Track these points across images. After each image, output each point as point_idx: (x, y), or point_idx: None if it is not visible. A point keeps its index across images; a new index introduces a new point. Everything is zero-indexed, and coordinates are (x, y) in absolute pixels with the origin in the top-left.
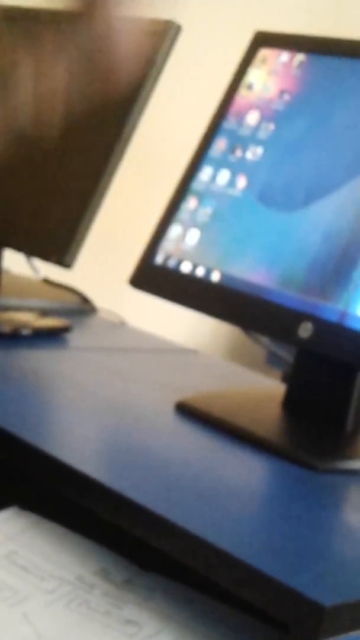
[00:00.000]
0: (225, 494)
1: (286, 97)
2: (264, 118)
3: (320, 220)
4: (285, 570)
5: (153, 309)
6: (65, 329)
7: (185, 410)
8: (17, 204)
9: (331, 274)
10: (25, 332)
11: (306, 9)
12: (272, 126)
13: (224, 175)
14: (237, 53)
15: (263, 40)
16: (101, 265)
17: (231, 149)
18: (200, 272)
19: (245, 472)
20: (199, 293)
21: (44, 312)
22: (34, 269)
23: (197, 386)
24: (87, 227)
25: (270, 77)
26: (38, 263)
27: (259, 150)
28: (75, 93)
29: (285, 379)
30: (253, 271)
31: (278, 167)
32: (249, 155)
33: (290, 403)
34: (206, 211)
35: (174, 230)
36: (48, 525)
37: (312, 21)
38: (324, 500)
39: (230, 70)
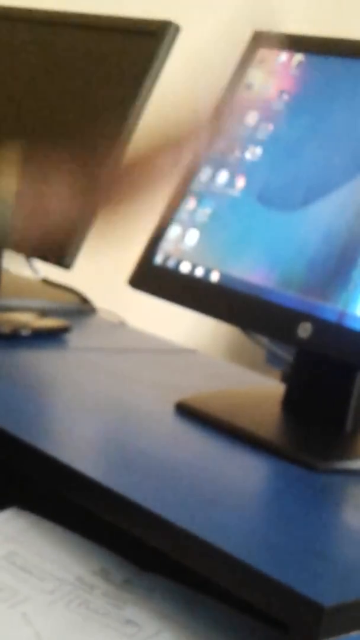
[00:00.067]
0: (224, 494)
1: (285, 97)
2: (262, 118)
3: (320, 221)
4: (284, 570)
5: (152, 309)
6: (64, 330)
7: (185, 411)
8: (16, 205)
9: (330, 274)
10: (24, 332)
11: (305, 9)
12: (271, 126)
13: (223, 176)
14: (235, 53)
15: (262, 40)
16: (101, 265)
17: (230, 149)
18: (199, 272)
19: (245, 472)
20: (198, 293)
21: (44, 313)
22: (34, 270)
23: (196, 386)
24: (86, 227)
25: (269, 77)
26: (38, 263)
27: (258, 150)
28: (74, 94)
29: (285, 379)
30: (252, 271)
31: (277, 167)
32: (248, 155)
33: (289, 403)
34: (205, 211)
35: (173, 231)
36: (48, 526)
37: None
38: (324, 500)
39: (229, 70)
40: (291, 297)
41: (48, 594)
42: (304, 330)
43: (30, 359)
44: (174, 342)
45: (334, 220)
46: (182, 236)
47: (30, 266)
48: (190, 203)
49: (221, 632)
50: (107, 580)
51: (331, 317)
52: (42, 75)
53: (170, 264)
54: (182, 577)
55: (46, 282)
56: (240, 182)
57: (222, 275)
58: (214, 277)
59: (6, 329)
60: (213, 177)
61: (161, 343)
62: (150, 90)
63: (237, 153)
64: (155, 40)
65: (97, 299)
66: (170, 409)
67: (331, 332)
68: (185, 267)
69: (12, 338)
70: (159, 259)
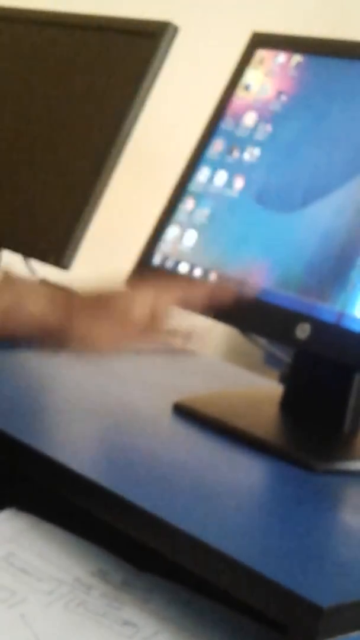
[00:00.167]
0: (222, 495)
1: (283, 98)
2: (261, 119)
3: (318, 221)
4: (283, 571)
5: None
6: None
7: (183, 411)
8: (15, 205)
9: (329, 275)
10: None
11: (303, 10)
12: (269, 127)
13: (221, 176)
14: (234, 54)
15: (260, 41)
16: (99, 266)
17: (228, 150)
18: (197, 273)
19: (243, 473)
20: None
21: None
22: (32, 270)
23: (194, 387)
24: (84, 228)
25: (267, 78)
26: (36, 264)
27: (257, 151)
28: (72, 93)
29: (283, 379)
30: (251, 272)
31: (275, 168)
32: (246, 156)
33: (288, 404)
34: (204, 212)
35: (172, 231)
36: (46, 527)
37: (310, 22)
38: (322, 501)
39: (227, 71)
40: (289, 298)
41: (46, 595)
42: (302, 331)
43: (29, 360)
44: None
45: (332, 221)
46: (181, 237)
47: (29, 267)
48: (189, 204)
49: (219, 633)
50: (105, 581)
51: (329, 318)
52: (40, 75)
53: (169, 264)
54: (180, 578)
55: (44, 282)
56: (239, 183)
57: (220, 276)
58: (212, 277)
59: None
60: (211, 178)
61: (159, 344)
62: (148, 91)
63: (235, 154)
64: (154, 41)
65: None
66: (168, 409)
67: (329, 333)
68: (183, 268)
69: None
70: (157, 260)
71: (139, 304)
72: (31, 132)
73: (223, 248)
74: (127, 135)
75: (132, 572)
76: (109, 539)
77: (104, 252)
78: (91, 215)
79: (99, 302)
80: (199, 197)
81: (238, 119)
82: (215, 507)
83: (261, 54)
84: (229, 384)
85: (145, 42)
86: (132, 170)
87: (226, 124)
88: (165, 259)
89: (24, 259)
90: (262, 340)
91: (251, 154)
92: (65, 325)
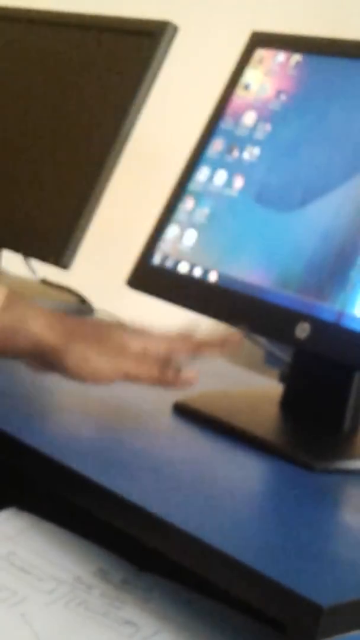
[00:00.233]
0: (222, 494)
1: (283, 97)
2: (260, 118)
3: (317, 221)
4: (282, 570)
5: (150, 309)
6: None
7: (183, 411)
8: (15, 205)
9: (328, 274)
10: None
11: (303, 10)
12: (269, 126)
13: (221, 176)
14: (233, 53)
15: (259, 40)
16: (99, 266)
17: (228, 150)
18: (197, 272)
19: (243, 472)
20: (197, 293)
21: None
22: (32, 270)
23: (194, 386)
24: (84, 227)
25: (267, 77)
26: (36, 264)
27: (256, 150)
28: (72, 93)
29: (283, 379)
30: (250, 271)
31: (275, 167)
32: (246, 155)
33: (287, 403)
34: (203, 211)
35: (172, 231)
36: (46, 526)
37: (309, 22)
38: (322, 500)
39: (227, 70)
40: (289, 298)
41: (47, 594)
42: (302, 330)
43: None
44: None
45: (332, 221)
46: (180, 236)
47: (29, 266)
48: (189, 203)
49: (219, 632)
50: (106, 581)
51: (329, 317)
52: (40, 75)
53: (169, 264)
54: (180, 577)
55: (44, 282)
56: (238, 182)
57: (220, 276)
58: (212, 277)
59: None
60: (211, 177)
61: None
62: (148, 90)
63: (235, 153)
64: (154, 41)
65: (96, 300)
66: (168, 408)
67: (329, 332)
68: (183, 268)
69: None
70: (157, 259)
71: (141, 343)
72: (31, 132)
73: (223, 247)
74: (127, 134)
75: (132, 572)
76: (109, 538)
77: (104, 251)
78: (91, 215)
79: (98, 333)
80: (199, 197)
81: (238, 118)
82: (215, 506)
83: (260, 53)
84: (229, 383)
85: (144, 41)
86: (132, 170)
87: (226, 123)
88: (165, 258)
89: (24, 259)
90: (262, 340)
91: (251, 154)
92: (61, 349)
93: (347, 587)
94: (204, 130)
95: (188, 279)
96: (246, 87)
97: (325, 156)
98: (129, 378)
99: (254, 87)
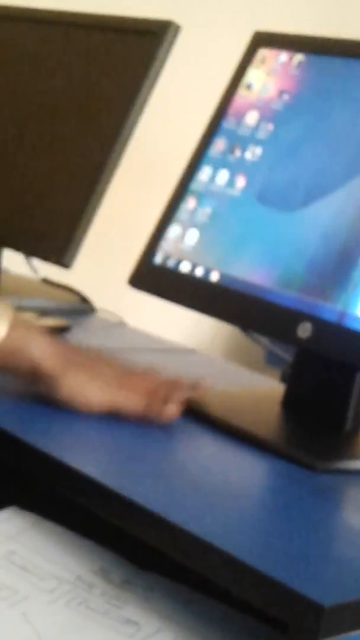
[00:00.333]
0: (223, 493)
1: (285, 97)
2: (263, 118)
3: (319, 221)
4: (284, 570)
5: (152, 308)
6: (64, 329)
7: (184, 410)
8: (16, 204)
9: (330, 274)
10: None
11: (305, 10)
12: (271, 126)
13: (223, 175)
14: (236, 53)
15: (262, 40)
16: (100, 265)
17: (230, 149)
18: (199, 272)
19: (244, 472)
20: (198, 293)
21: (43, 312)
22: (33, 269)
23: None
24: (86, 227)
25: (269, 77)
26: (37, 263)
27: (258, 150)
28: (74, 92)
29: (285, 379)
30: (252, 271)
31: (277, 167)
32: (248, 155)
33: (289, 403)
34: (205, 211)
35: (173, 230)
36: (47, 525)
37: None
38: (323, 500)
39: (229, 70)
40: (291, 297)
41: (48, 593)
42: (304, 330)
43: None
44: (173, 341)
45: (334, 221)
46: (182, 236)
47: (30, 266)
48: (190, 203)
49: (220, 632)
50: (107, 580)
51: (331, 317)
52: (41, 74)
53: (170, 263)
54: (181, 576)
55: (46, 281)
56: (241, 182)
57: (222, 275)
58: (214, 276)
59: None
60: (213, 177)
61: (160, 343)
62: (150, 90)
63: (237, 153)
64: (156, 40)
65: (97, 299)
66: None
67: (331, 332)
68: (185, 267)
69: None
70: (158, 259)
71: (132, 377)
72: (32, 132)
73: (224, 247)
74: (129, 134)
75: (133, 571)
76: (110, 537)
77: (106, 251)
78: (93, 215)
79: (93, 364)
80: (201, 196)
81: (240, 118)
82: (216, 505)
83: (263, 53)
84: (231, 383)
85: (147, 41)
86: (134, 169)
87: (228, 123)
88: (167, 258)
89: (26, 258)
90: (264, 339)
91: (253, 153)
92: (56, 378)
93: (348, 587)
94: (206, 130)
95: (190, 278)
96: (248, 86)
97: (327, 156)
98: (118, 409)
99: (257, 87)
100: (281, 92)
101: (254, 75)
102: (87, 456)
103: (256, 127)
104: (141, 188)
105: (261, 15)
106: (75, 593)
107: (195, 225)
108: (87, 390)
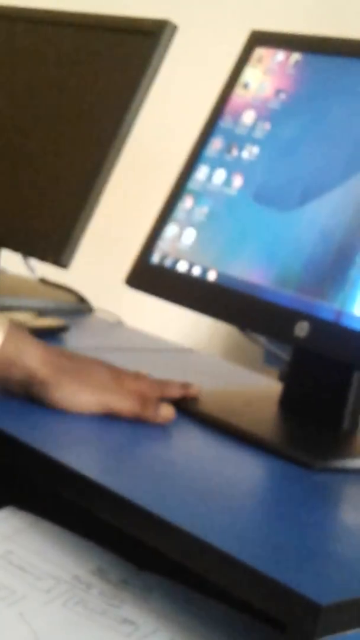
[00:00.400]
0: (221, 493)
1: (282, 96)
2: (260, 117)
3: (316, 220)
4: (282, 569)
5: (150, 308)
6: (62, 329)
7: (182, 410)
8: (14, 204)
9: (327, 273)
10: None
11: (302, 8)
12: (268, 125)
13: (220, 175)
14: (233, 52)
15: (259, 39)
16: (98, 265)
17: (227, 148)
18: (196, 271)
19: (242, 471)
20: (196, 292)
21: (41, 312)
22: (31, 269)
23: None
24: (83, 226)
25: (266, 76)
26: (35, 263)
27: (255, 149)
28: (71, 92)
29: (282, 378)
30: (249, 270)
31: (274, 166)
32: (245, 154)
33: (287, 402)
34: (202, 210)
35: (171, 230)
36: (44, 525)
37: (309, 20)
38: (321, 499)
39: (226, 69)
40: (288, 296)
41: (45, 593)
42: (301, 329)
43: None
44: (171, 341)
45: (331, 220)
46: (179, 235)
47: (28, 266)
48: (188, 202)
49: (218, 631)
50: (104, 579)
51: (328, 316)
52: (40, 74)
53: (168, 263)
54: (179, 576)
55: (43, 281)
56: (237, 181)
57: (219, 275)
58: (211, 276)
59: None
60: (210, 176)
61: (158, 342)
62: (147, 89)
63: (234, 152)
64: (153, 39)
65: (95, 299)
66: None
67: (328, 331)
68: (182, 266)
69: None
70: (156, 258)
71: (126, 381)
72: (30, 132)
73: (222, 246)
74: (126, 133)
75: (131, 571)
76: (108, 537)
77: (103, 250)
78: (90, 214)
79: (89, 369)
80: (198, 196)
81: (237, 117)
82: (214, 505)
83: (260, 52)
84: (228, 382)
85: (143, 40)
86: (131, 169)
87: (225, 122)
88: (164, 257)
89: (23, 258)
90: (261, 339)
91: (250, 152)
92: (51, 384)
93: (346, 586)
94: (203, 129)
95: (187, 277)
96: (245, 86)
97: (324, 155)
98: (112, 411)
99: (253, 86)
100: (278, 91)
101: (250, 74)
102: (85, 456)
103: (253, 127)
104: (138, 187)
105: (258, 15)
106: (73, 593)
107: (192, 225)
108: (81, 396)
